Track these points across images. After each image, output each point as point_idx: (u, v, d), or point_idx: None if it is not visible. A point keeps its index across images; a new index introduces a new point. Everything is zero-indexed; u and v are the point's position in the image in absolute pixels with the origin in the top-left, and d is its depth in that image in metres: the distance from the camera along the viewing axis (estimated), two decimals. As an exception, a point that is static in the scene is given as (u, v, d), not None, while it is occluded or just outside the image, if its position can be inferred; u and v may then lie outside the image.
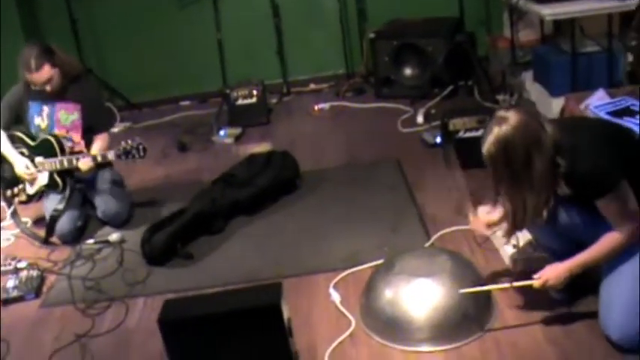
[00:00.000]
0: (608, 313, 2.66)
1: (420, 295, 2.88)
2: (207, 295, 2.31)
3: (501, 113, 2.56)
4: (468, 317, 2.85)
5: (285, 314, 2.26)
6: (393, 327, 2.89)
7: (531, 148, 2.49)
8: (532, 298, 2.98)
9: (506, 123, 2.50)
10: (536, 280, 2.73)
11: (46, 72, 4.03)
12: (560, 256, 2.76)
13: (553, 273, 2.70)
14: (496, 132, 2.51)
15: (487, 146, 2.54)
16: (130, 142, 3.96)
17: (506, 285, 2.93)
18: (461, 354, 2.78)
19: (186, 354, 2.21)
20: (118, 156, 3.95)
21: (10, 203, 4.25)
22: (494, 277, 3.21)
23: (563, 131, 2.58)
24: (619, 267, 2.66)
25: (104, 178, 4.32)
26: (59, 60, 4.10)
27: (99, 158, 4.02)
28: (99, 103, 4.48)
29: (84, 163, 4.03)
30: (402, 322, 2.87)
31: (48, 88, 4.09)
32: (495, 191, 2.68)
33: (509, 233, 2.80)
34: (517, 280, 2.90)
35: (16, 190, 4.17)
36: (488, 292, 3.00)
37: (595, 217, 2.65)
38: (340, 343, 2.93)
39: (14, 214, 4.28)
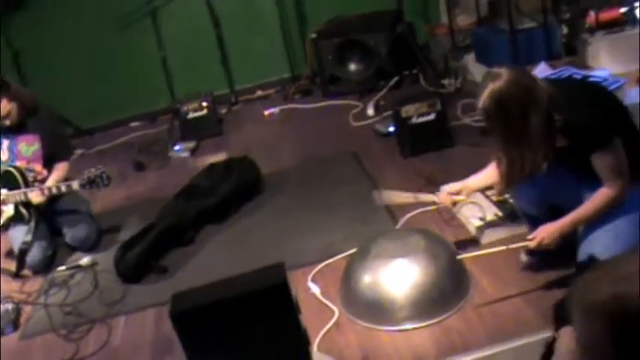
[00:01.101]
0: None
1: (399, 276, 2.96)
2: (212, 283, 2.34)
3: (494, 70, 2.63)
4: (447, 291, 2.94)
5: (293, 292, 2.33)
6: (376, 310, 2.97)
7: (527, 102, 2.55)
8: (505, 266, 3.09)
9: (499, 79, 2.56)
10: (531, 241, 2.80)
11: (4, 106, 4.03)
12: (537, 222, 2.86)
13: (546, 232, 2.76)
14: (491, 87, 2.57)
15: (483, 101, 2.60)
16: (93, 170, 3.92)
17: (502, 247, 2.96)
18: (445, 327, 2.87)
19: (200, 343, 2.24)
20: (82, 185, 3.92)
21: None
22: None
23: (556, 87, 2.66)
24: (598, 227, 2.72)
25: (70, 203, 4.30)
26: (15, 93, 4.10)
27: (63, 188, 3.99)
28: (58, 133, 4.48)
29: (35, 197, 4.01)
30: (385, 303, 2.95)
31: (7, 122, 4.09)
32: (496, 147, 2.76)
33: (505, 188, 2.89)
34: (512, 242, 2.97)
35: (-19, 222, 4.14)
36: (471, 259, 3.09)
37: (582, 180, 2.74)
38: (327, 332, 3.00)
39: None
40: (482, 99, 2.60)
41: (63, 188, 3.99)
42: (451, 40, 5.71)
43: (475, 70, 5.39)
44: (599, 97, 2.81)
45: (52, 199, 4.18)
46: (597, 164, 2.65)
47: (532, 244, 2.81)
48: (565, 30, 5.10)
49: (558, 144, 2.68)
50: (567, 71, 4.44)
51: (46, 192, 4.00)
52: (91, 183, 3.90)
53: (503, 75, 2.57)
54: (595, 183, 2.69)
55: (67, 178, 4.19)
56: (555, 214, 2.81)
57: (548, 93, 2.60)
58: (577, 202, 2.76)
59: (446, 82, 5.52)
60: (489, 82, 2.59)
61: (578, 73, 4.37)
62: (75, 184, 3.94)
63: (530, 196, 2.90)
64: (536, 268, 3.03)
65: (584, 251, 2.75)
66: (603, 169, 2.65)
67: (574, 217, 2.73)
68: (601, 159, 2.64)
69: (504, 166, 2.76)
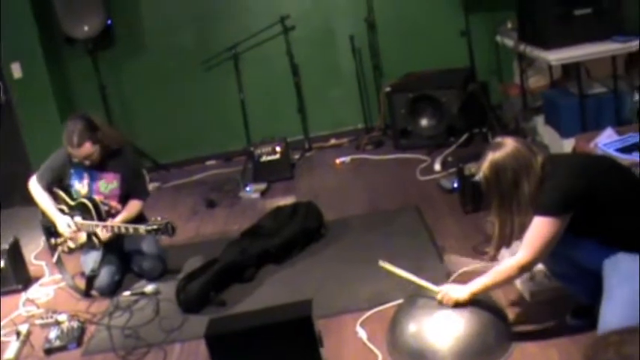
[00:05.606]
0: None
1: (443, 327, 3.03)
2: (245, 312, 2.51)
3: (498, 140, 2.85)
4: (489, 345, 3.00)
5: (316, 327, 2.46)
6: (418, 358, 3.04)
7: (520, 172, 2.76)
8: (549, 324, 3.15)
9: (500, 149, 2.80)
10: (439, 293, 3.08)
11: (87, 149, 4.23)
12: (565, 278, 2.98)
13: (452, 291, 3.05)
14: (490, 156, 2.81)
15: (482, 169, 2.84)
16: (159, 219, 4.04)
17: (414, 279, 3.27)
18: (484, 380, 2.93)
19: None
20: (148, 232, 4.04)
21: (53, 251, 4.45)
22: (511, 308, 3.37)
23: (553, 160, 2.83)
24: (614, 291, 2.73)
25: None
26: (102, 135, 4.30)
27: (131, 230, 4.14)
28: (138, 174, 4.65)
29: (103, 234, 4.26)
30: (427, 353, 3.02)
31: (87, 162, 4.31)
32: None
33: (497, 249, 3.02)
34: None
35: (59, 240, 4.38)
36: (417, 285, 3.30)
37: (603, 242, 2.79)
38: (368, 375, 3.09)
39: (59, 263, 4.49)
40: (482, 166, 2.83)
41: (130, 230, 4.14)
42: (522, 100, 5.78)
43: (544, 132, 5.44)
44: (585, 171, 2.82)
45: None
46: (530, 226, 2.77)
47: (438, 297, 3.08)
48: (637, 97, 5.12)
49: None
50: (633, 138, 4.46)
51: (115, 230, 4.21)
52: (156, 231, 4.01)
53: (505, 146, 2.79)
54: (614, 247, 2.74)
55: (139, 216, 4.45)
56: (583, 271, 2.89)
57: (544, 166, 2.77)
58: (598, 262, 2.78)
59: (514, 142, 5.56)
60: (490, 150, 2.82)
61: (643, 140, 4.39)
62: (142, 229, 4.06)
63: (554, 253, 2.91)
64: (582, 331, 3.06)
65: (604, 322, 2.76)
66: (529, 233, 2.78)
67: (482, 283, 2.97)
68: (535, 224, 2.75)
69: (496, 229, 2.93)
